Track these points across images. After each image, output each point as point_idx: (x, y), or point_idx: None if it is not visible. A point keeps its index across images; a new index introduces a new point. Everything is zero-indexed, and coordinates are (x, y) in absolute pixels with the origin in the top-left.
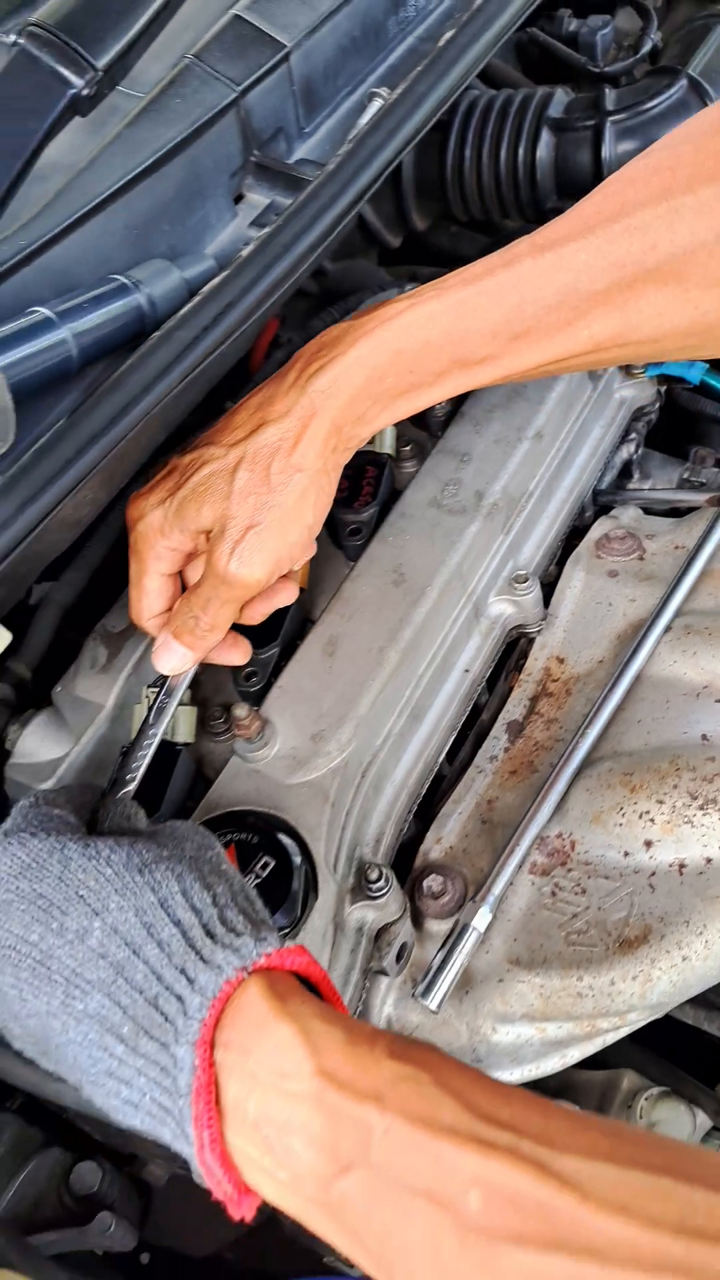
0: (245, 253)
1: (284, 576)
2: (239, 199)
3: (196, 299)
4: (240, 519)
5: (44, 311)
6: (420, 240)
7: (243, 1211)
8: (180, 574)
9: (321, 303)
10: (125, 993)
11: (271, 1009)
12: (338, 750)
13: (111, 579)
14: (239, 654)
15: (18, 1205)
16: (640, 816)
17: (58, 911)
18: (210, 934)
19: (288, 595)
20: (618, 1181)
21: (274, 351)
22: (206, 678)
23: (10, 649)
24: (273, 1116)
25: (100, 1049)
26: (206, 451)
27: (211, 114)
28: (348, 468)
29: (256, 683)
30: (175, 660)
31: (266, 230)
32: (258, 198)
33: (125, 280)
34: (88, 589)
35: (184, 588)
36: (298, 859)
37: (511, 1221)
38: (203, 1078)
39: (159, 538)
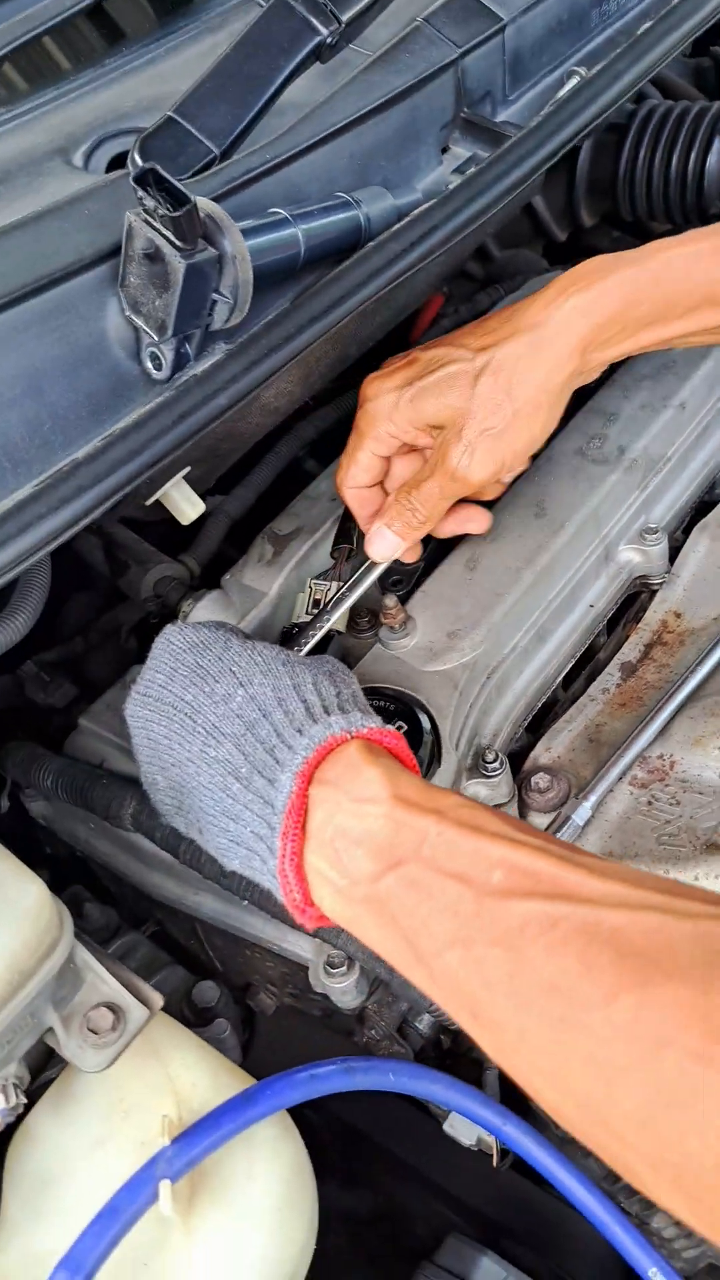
0: (450, 187)
1: (478, 507)
2: (445, 150)
3: (406, 219)
4: (478, 421)
5: (281, 212)
6: (583, 240)
7: (305, 920)
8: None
9: (485, 286)
10: (250, 743)
11: (364, 758)
12: (470, 648)
13: (273, 502)
14: (481, 521)
15: None
16: None
17: (211, 679)
18: (327, 709)
19: (478, 524)
20: (623, 875)
21: (440, 321)
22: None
23: (182, 546)
24: (347, 831)
25: (222, 790)
26: (454, 351)
27: (434, 69)
28: None
29: (401, 588)
30: (387, 547)
31: (471, 171)
32: (461, 150)
33: (348, 198)
34: (253, 508)
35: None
36: (427, 729)
37: (524, 885)
38: (296, 800)
39: (386, 420)
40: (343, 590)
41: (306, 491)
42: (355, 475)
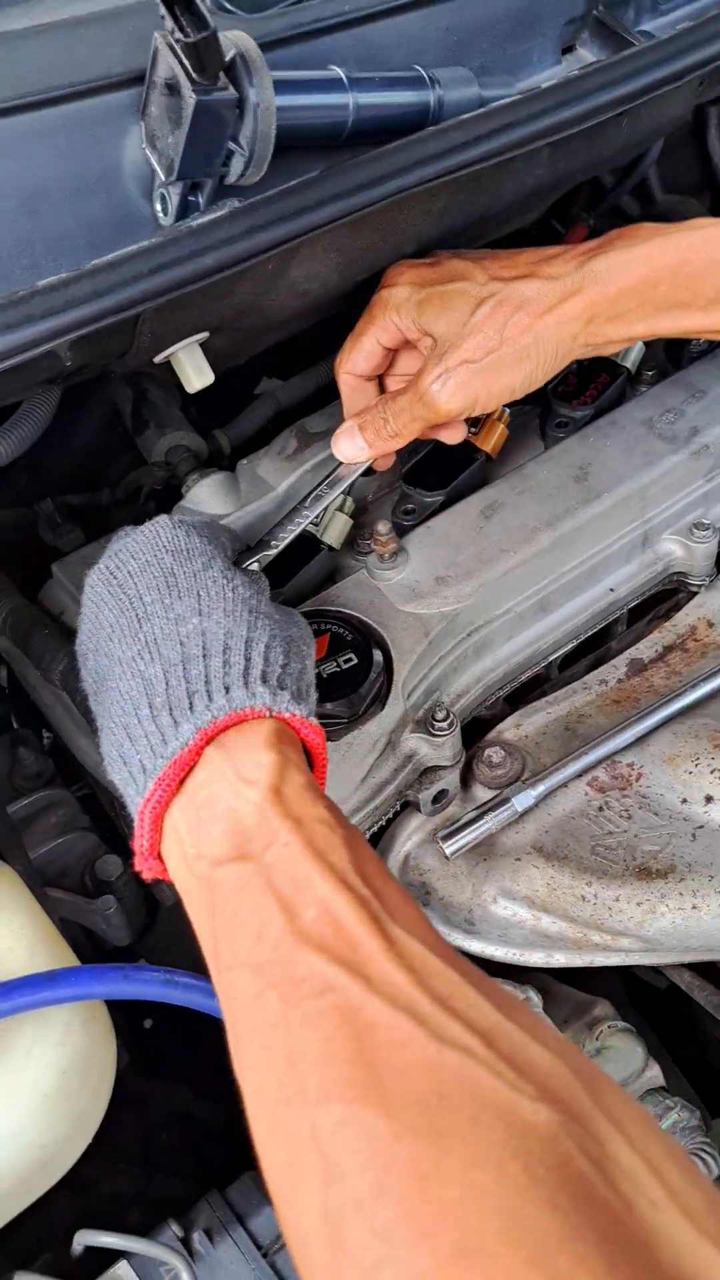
0: (546, 85)
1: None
2: (568, 50)
3: (482, 110)
4: (461, 350)
5: (339, 72)
6: None
7: (144, 868)
8: (393, 352)
9: None
10: (176, 676)
11: (267, 740)
12: (455, 599)
13: (327, 398)
14: (454, 434)
15: (47, 863)
16: (712, 772)
17: (175, 593)
18: (264, 678)
19: (452, 434)
20: (417, 961)
21: None
22: (372, 508)
23: (220, 421)
24: (215, 801)
25: (132, 705)
26: (472, 269)
27: None
28: (583, 367)
29: (412, 519)
30: (352, 450)
31: (575, 73)
32: (586, 54)
33: (425, 75)
34: (307, 400)
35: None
36: (376, 670)
37: (325, 935)
38: (186, 756)
39: (393, 312)
40: (312, 491)
41: None
42: (355, 360)
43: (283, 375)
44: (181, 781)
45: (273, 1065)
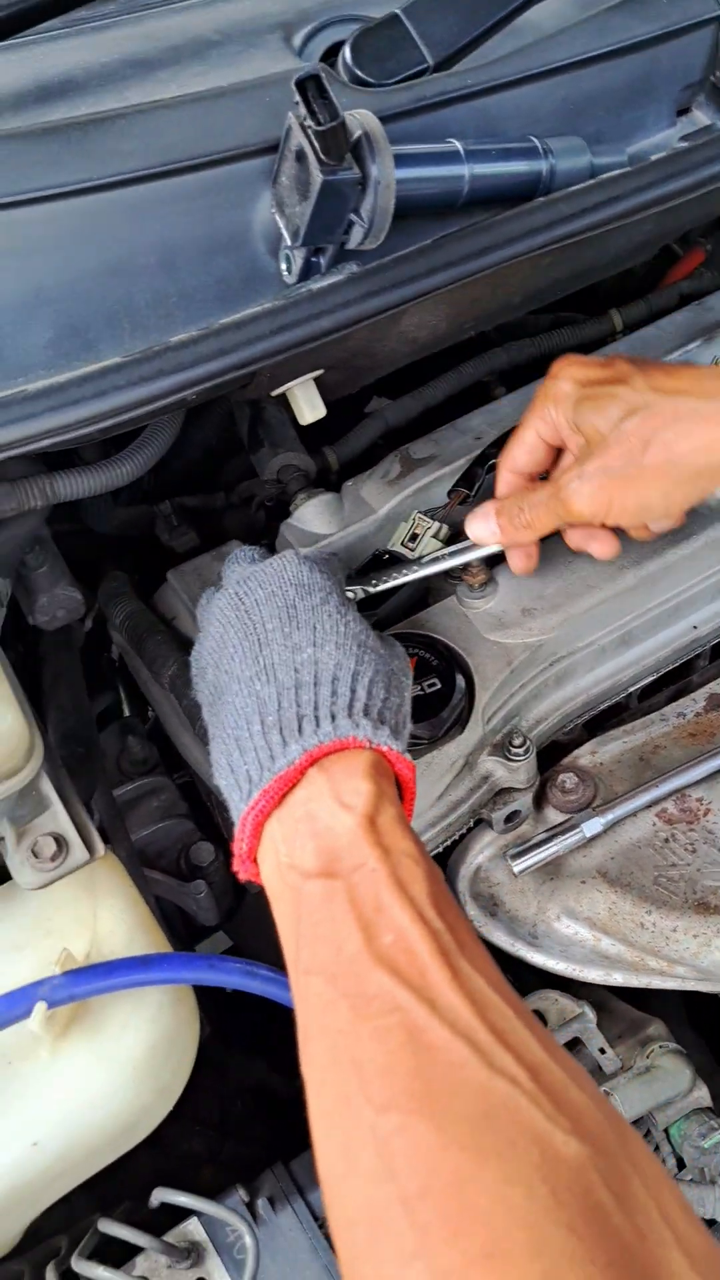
0: (657, 156)
1: (610, 530)
2: (683, 112)
3: (591, 181)
4: (604, 456)
5: (456, 145)
6: None
7: (241, 869)
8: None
9: None
10: (289, 699)
11: (368, 772)
12: (539, 631)
13: (437, 421)
14: (604, 548)
15: (146, 845)
16: None
17: (294, 625)
18: (366, 711)
19: (602, 548)
20: (479, 995)
21: (684, 281)
22: (462, 536)
23: (329, 436)
24: (313, 819)
25: (245, 720)
26: (632, 374)
27: (691, 22)
28: None
29: None
30: (483, 531)
31: (690, 144)
32: (702, 116)
33: (539, 145)
34: (415, 420)
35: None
36: (459, 696)
37: (398, 960)
38: (291, 773)
39: (552, 405)
40: (434, 554)
41: (456, 422)
42: (515, 455)
43: (392, 395)
44: (283, 796)
45: (337, 1066)
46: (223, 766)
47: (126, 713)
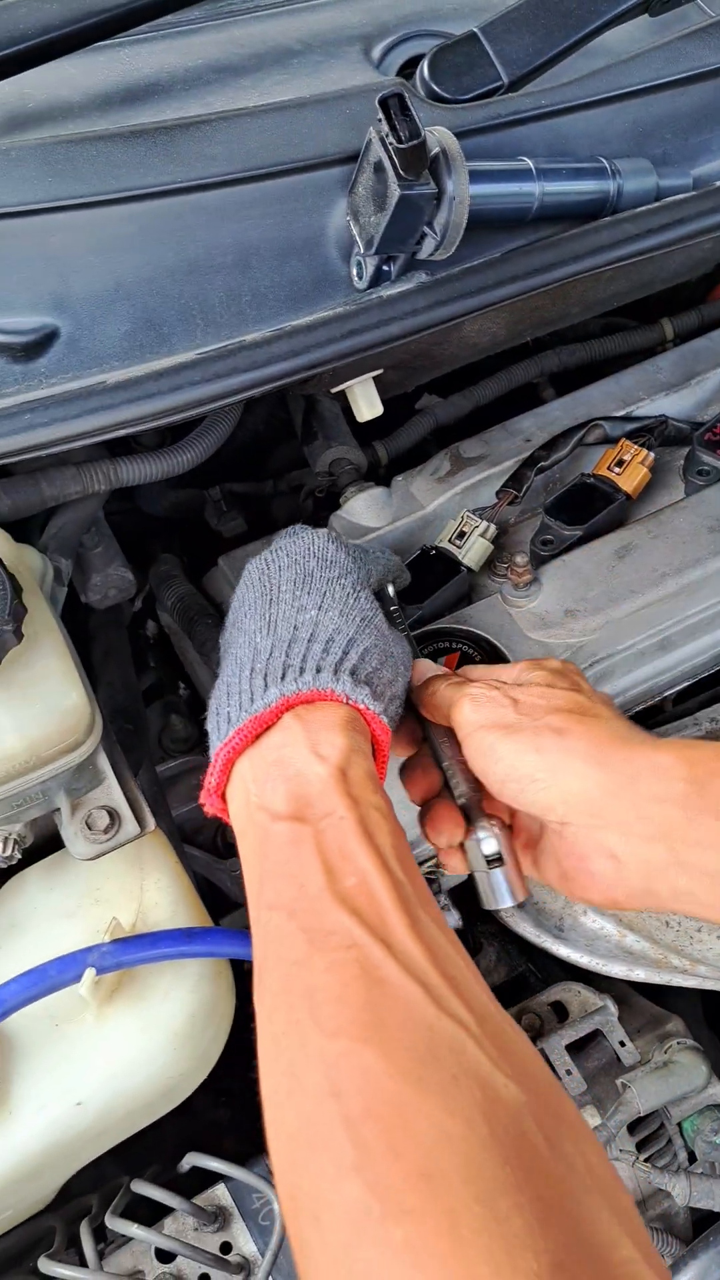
0: (718, 183)
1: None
2: None
3: (657, 204)
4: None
5: (529, 163)
6: None
7: (208, 803)
8: None
9: None
10: (280, 651)
11: (344, 726)
12: (580, 633)
13: (486, 420)
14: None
15: (185, 822)
16: None
17: (305, 590)
18: (353, 675)
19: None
20: (434, 945)
21: None
22: (511, 531)
23: (380, 430)
24: (286, 764)
25: (238, 668)
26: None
27: None
28: None
29: (549, 549)
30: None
31: None
32: None
33: (608, 165)
34: (465, 418)
35: None
36: None
37: (359, 901)
38: (266, 715)
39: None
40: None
41: (506, 423)
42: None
43: (442, 393)
44: (257, 737)
45: (289, 994)
46: (211, 711)
47: (182, 690)
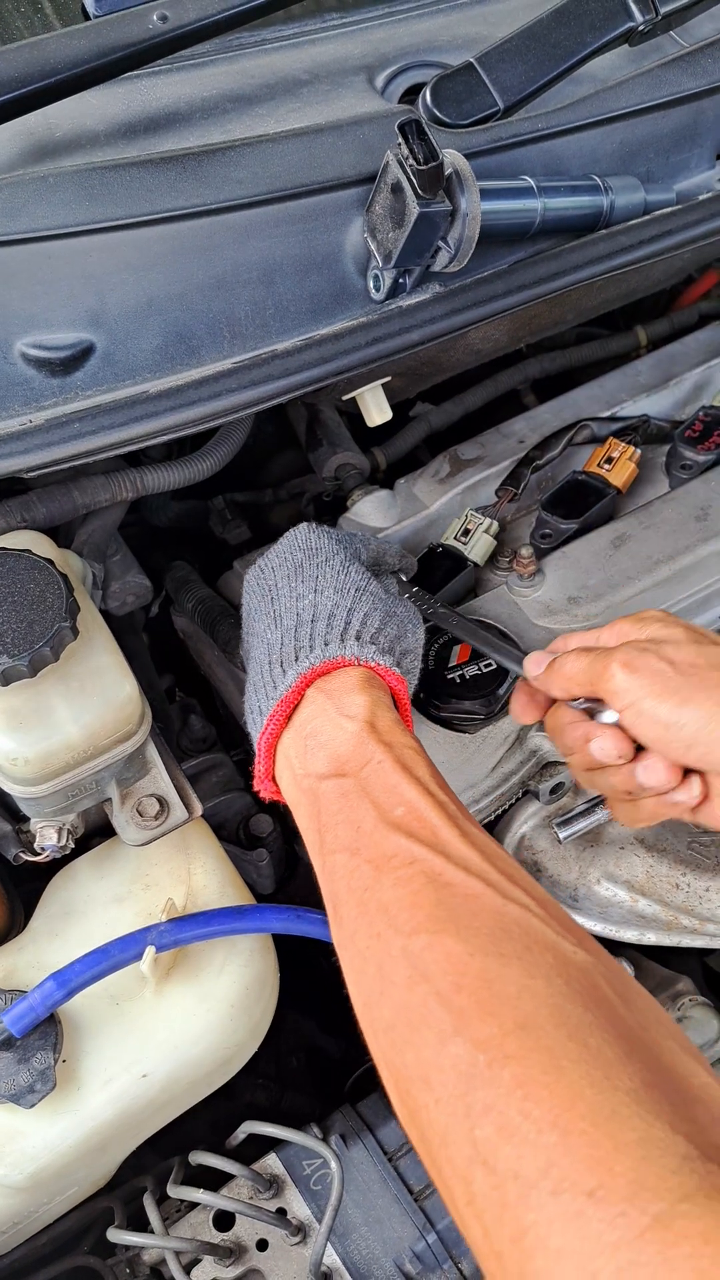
0: (704, 197)
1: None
2: None
3: (648, 216)
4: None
5: (530, 182)
6: None
7: (262, 790)
8: None
9: None
10: (289, 638)
11: (363, 686)
12: (584, 617)
13: (474, 424)
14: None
15: (208, 817)
16: None
17: (298, 579)
18: (358, 638)
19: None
20: (485, 848)
21: (703, 301)
22: (510, 527)
23: (374, 438)
24: (319, 734)
25: (258, 666)
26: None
27: None
28: (710, 415)
29: (548, 543)
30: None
31: None
32: None
33: (600, 183)
34: (456, 424)
35: None
36: (512, 675)
37: (411, 825)
38: (291, 695)
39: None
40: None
41: (500, 426)
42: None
43: (435, 400)
44: (288, 718)
45: (366, 915)
46: (246, 711)
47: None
